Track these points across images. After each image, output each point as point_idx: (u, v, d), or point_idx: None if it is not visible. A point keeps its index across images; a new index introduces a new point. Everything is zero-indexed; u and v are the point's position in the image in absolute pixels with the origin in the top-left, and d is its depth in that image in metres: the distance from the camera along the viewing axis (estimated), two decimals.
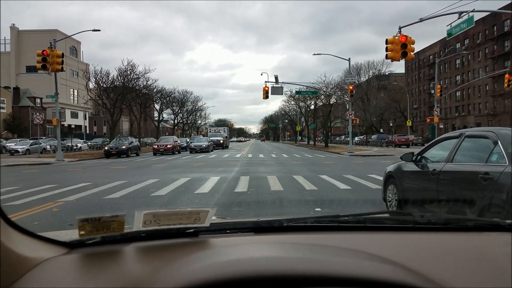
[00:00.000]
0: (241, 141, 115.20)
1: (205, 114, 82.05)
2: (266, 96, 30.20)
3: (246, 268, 0.75)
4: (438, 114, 31.46)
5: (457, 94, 61.63)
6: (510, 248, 1.01)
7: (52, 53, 19.84)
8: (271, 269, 0.74)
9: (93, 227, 0.95)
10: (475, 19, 16.85)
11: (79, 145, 40.39)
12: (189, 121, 74.89)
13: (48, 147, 34.86)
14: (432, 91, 46.04)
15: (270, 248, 0.96)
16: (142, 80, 41.60)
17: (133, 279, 0.79)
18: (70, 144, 37.92)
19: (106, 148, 28.38)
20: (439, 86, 31.20)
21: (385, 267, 0.80)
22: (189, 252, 0.91)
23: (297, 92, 39.29)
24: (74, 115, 63.22)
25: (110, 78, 38.23)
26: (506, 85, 27.74)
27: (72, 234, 1.07)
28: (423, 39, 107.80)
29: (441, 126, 35.58)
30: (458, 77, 61.71)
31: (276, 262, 0.80)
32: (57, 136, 25.12)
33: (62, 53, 20.81)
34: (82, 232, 0.95)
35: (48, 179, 12.43)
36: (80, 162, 22.80)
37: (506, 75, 28.29)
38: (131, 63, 39.63)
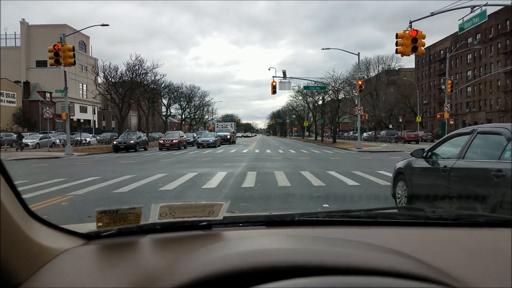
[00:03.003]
0: (248, 137, 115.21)
1: (212, 109, 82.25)
2: (274, 91, 30.08)
3: (261, 259, 0.74)
4: (449, 110, 31.01)
5: (468, 90, 60.68)
6: None
7: (63, 47, 19.97)
8: (285, 260, 0.74)
9: (110, 219, 0.98)
10: (488, 13, 16.50)
11: (88, 139, 40.78)
12: (196, 116, 75.10)
13: (58, 141, 35.26)
14: (443, 87, 45.40)
15: (284, 240, 0.96)
16: (150, 75, 41.80)
17: (150, 269, 0.81)
18: (79, 138, 38.31)
19: (114, 142, 28.60)
20: (449, 81, 30.72)
21: (400, 259, 0.80)
22: (204, 244, 0.92)
23: (305, 87, 39.06)
24: (83, 110, 63.78)
25: (118, 73, 38.49)
26: None
27: (90, 227, 1.10)
28: (432, 35, 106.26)
29: (452, 122, 35.08)
30: (469, 73, 60.70)
31: (291, 253, 0.80)
32: (67, 130, 25.39)
33: (73, 47, 20.92)
34: (100, 224, 0.98)
35: (57, 173, 12.57)
36: (89, 156, 23.02)
37: None
38: (139, 58, 39.86)
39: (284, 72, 30.81)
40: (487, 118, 54.89)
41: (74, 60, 20.64)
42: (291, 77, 32.29)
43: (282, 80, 30.81)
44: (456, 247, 1.00)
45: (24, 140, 31.55)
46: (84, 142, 38.54)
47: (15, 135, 35.46)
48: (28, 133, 38.96)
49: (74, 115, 56.36)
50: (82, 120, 62.82)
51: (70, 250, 0.93)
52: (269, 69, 51.59)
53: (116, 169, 14.02)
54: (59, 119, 48.70)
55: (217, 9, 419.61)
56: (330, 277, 0.60)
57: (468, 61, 61.58)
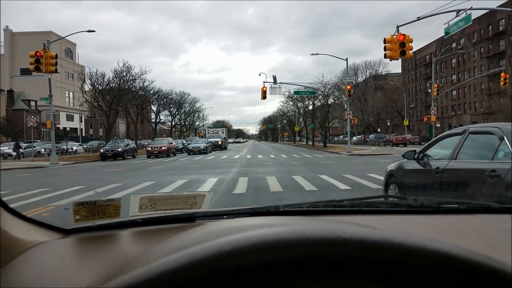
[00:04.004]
0: (240, 142, 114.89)
1: (203, 116, 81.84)
2: (264, 96, 30.02)
3: (240, 236, 0.70)
4: (435, 113, 31.42)
5: (453, 93, 61.80)
6: (500, 226, 1.05)
7: (45, 54, 19.51)
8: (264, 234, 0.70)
9: (88, 212, 0.95)
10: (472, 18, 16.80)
11: (74, 148, 40.00)
12: (187, 123, 74.60)
13: (43, 150, 34.44)
14: (429, 90, 46.20)
15: (265, 221, 0.96)
16: (138, 81, 41.43)
17: (127, 258, 0.79)
18: (65, 147, 37.55)
19: (101, 150, 28.09)
20: (436, 85, 31.20)
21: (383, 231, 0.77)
22: (185, 233, 0.85)
23: (295, 92, 39.21)
24: (70, 118, 62.75)
25: (105, 80, 38.03)
26: (502, 83, 27.72)
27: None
28: (417, 40, 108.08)
29: (438, 125, 35.58)
30: (454, 76, 61.88)
31: (271, 228, 0.69)
32: (52, 139, 24.81)
33: (56, 54, 20.42)
34: (78, 217, 0.94)
35: (40, 183, 12.17)
36: (75, 165, 22.52)
37: (502, 74, 28.28)
38: (127, 64, 39.46)
39: (274, 78, 30.81)
40: (472, 121, 55.83)
41: (56, 68, 20.08)
42: (281, 83, 32.35)
43: (272, 86, 30.78)
44: (438, 232, 1.02)
45: (6, 150, 30.77)
46: (70, 151, 37.76)
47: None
48: (12, 143, 38.06)
49: (59, 124, 55.29)
50: (68, 129, 61.77)
51: (45, 243, 0.90)
52: (259, 75, 51.75)
53: (102, 177, 13.67)
54: (44, 128, 47.89)
55: (206, 17, 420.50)
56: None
57: (453, 65, 62.80)
